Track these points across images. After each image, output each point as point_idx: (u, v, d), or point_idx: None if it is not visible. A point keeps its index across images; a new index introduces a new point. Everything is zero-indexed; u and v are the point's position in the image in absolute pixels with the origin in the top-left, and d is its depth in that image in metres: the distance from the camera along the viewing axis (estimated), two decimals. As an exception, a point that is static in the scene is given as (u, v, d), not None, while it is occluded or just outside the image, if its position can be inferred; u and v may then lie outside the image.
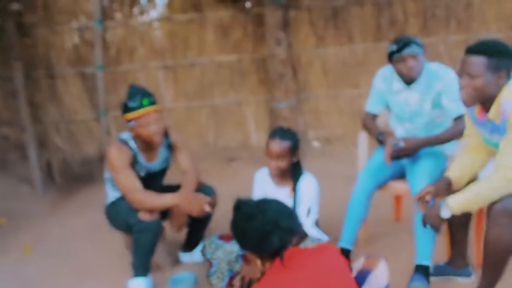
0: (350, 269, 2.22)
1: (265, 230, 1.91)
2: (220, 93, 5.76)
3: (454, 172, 2.62)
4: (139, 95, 2.89)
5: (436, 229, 2.49)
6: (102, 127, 5.54)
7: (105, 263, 3.50)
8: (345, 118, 5.82)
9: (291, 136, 2.82)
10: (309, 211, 2.81)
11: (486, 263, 2.43)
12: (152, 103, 2.93)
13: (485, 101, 2.36)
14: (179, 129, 5.63)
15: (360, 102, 5.69)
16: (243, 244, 2.03)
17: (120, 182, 2.95)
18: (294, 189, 2.87)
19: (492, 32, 5.63)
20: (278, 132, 2.81)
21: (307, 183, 2.88)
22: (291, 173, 2.88)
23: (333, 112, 5.82)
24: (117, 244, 3.54)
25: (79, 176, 5.46)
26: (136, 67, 5.58)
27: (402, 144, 2.93)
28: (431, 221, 2.47)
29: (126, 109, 2.94)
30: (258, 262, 2.04)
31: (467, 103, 2.38)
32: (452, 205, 2.37)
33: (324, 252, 2.03)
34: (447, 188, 2.59)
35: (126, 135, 3.06)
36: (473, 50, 2.31)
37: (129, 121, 2.94)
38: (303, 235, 2.77)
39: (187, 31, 5.59)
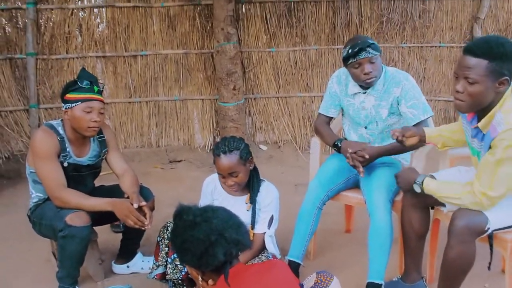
0: (301, 286, 2.05)
1: (208, 241, 1.71)
2: (164, 89, 5.44)
3: (433, 131, 2.61)
4: (91, 80, 2.70)
5: (403, 189, 2.59)
6: (32, 120, 5.08)
7: (27, 272, 3.14)
8: (295, 121, 5.63)
9: (236, 145, 2.52)
10: (271, 221, 2.59)
11: (444, 279, 2.34)
12: (101, 94, 2.75)
13: (481, 109, 2.18)
14: (117, 126, 5.31)
15: (312, 106, 5.56)
16: (183, 256, 1.81)
17: (43, 172, 2.63)
18: (251, 199, 2.62)
19: (446, 42, 5.62)
20: (221, 147, 2.50)
21: (268, 191, 2.66)
22: (247, 181, 2.62)
23: (283, 115, 5.62)
24: (42, 250, 3.26)
25: (4, 173, 4.99)
26: (73, 56, 5.16)
27: (366, 156, 2.74)
28: (402, 182, 2.50)
29: (72, 87, 2.66)
30: (200, 279, 1.84)
31: (462, 110, 2.21)
32: (425, 187, 2.35)
33: (273, 268, 1.85)
34: (419, 137, 2.55)
35: (55, 122, 2.77)
36: (473, 51, 2.06)
37: (69, 101, 2.64)
38: (260, 249, 2.57)
39: (130, 20, 5.23)
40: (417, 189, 2.36)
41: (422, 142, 2.57)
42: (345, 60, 2.75)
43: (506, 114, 2.06)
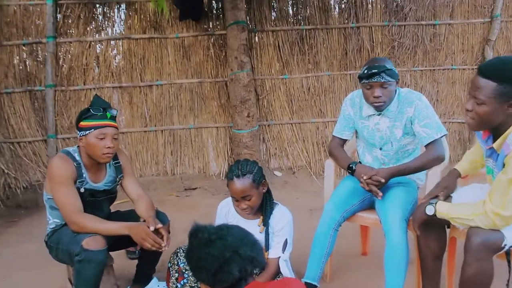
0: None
1: (223, 258, 1.71)
2: (179, 117, 5.52)
3: (463, 164, 2.64)
4: (104, 107, 2.71)
5: (416, 224, 2.45)
6: (50, 150, 5.17)
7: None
8: (309, 147, 5.64)
9: (250, 168, 2.52)
10: (285, 245, 2.57)
11: None
12: (114, 119, 2.75)
13: (494, 128, 2.17)
14: (133, 155, 5.36)
15: (325, 131, 5.57)
16: (198, 273, 1.81)
17: (59, 197, 2.64)
18: (264, 222, 2.61)
19: (458, 64, 5.63)
20: (234, 171, 2.51)
21: (281, 215, 2.64)
22: (261, 204, 2.62)
23: (297, 140, 5.63)
24: (57, 277, 3.22)
25: (22, 203, 5.05)
26: (90, 87, 5.28)
27: (382, 180, 2.73)
28: (414, 216, 2.46)
29: (85, 114, 2.69)
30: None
31: (472, 128, 2.21)
32: (438, 210, 2.33)
33: (289, 286, 1.85)
34: (455, 181, 2.58)
35: (71, 148, 2.79)
36: (484, 71, 2.05)
37: (83, 129, 2.67)
38: (275, 274, 2.54)
39: (146, 51, 5.36)
40: (430, 210, 2.34)
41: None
42: (360, 78, 2.79)
43: None
